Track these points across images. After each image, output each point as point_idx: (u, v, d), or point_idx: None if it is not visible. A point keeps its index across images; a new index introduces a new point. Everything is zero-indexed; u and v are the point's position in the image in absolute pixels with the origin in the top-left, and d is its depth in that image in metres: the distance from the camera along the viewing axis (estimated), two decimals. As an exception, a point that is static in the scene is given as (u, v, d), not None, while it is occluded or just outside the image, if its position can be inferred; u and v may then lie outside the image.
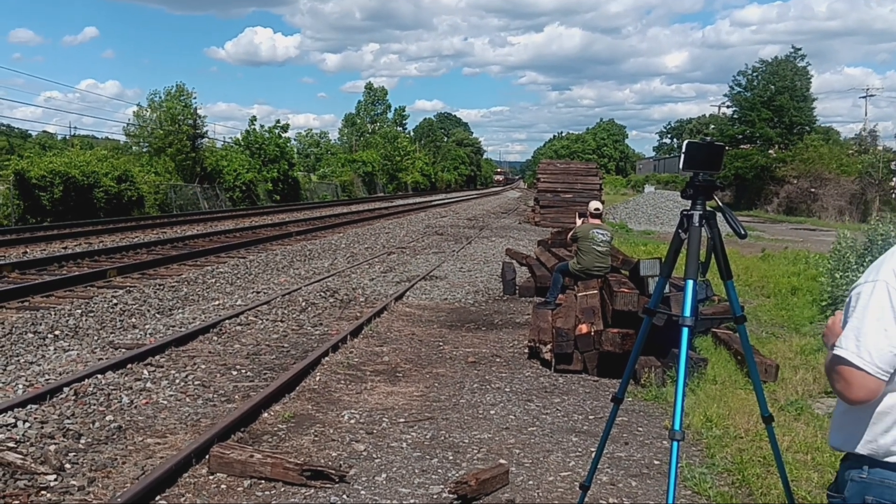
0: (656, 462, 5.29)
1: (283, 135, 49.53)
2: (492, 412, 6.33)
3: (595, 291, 8.63)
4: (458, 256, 18.03)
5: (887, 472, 2.05)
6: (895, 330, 1.97)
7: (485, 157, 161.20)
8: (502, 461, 5.17)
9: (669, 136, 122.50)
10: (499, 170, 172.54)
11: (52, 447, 4.97)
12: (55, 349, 7.91)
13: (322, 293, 11.67)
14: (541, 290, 11.93)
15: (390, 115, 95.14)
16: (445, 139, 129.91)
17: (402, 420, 6.05)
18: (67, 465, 4.75)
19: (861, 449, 2.08)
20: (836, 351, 2.03)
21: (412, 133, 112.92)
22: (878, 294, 2.00)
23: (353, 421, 5.98)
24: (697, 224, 3.14)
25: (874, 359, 1.96)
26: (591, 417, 6.30)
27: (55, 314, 9.44)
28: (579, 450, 5.49)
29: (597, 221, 10.36)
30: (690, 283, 3.05)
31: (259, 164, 45.58)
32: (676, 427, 2.97)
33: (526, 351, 8.34)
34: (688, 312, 3.01)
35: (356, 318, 10.02)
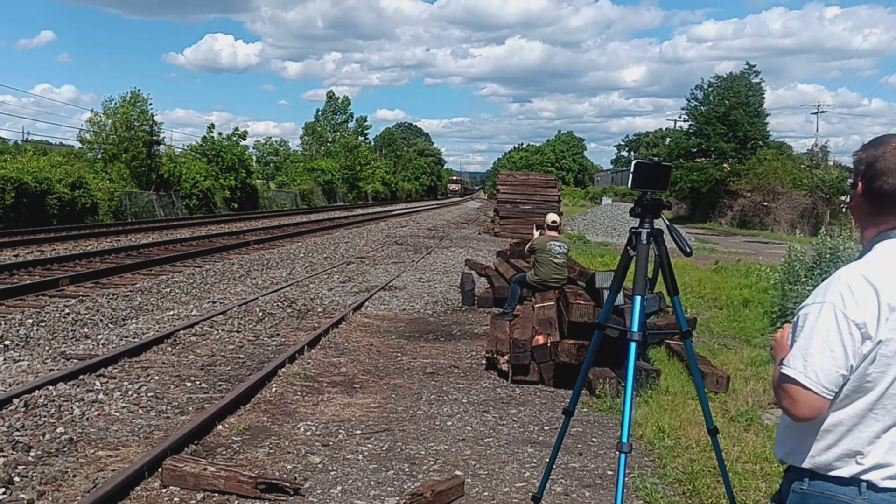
0: (609, 472, 5.37)
1: (242, 142, 49.17)
2: (448, 423, 6.36)
3: (552, 303, 8.73)
4: (418, 266, 18.06)
5: (827, 485, 2.14)
6: (840, 351, 2.04)
7: (445, 167, 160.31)
8: (458, 473, 5.20)
9: (627, 149, 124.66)
10: (455, 178, 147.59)
11: (1, 460, 4.88)
12: (5, 359, 7.74)
13: (279, 303, 11.60)
14: (499, 301, 12.01)
15: (351, 125, 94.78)
16: (406, 149, 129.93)
17: (358, 432, 6.05)
18: (16, 479, 4.67)
19: (805, 463, 2.16)
20: (784, 370, 2.10)
21: (373, 142, 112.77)
22: (825, 316, 2.07)
23: (308, 433, 5.97)
24: (645, 241, 3.23)
25: (820, 379, 2.04)
26: (546, 428, 6.36)
27: (5, 323, 9.24)
28: (535, 461, 5.55)
29: (554, 234, 10.49)
30: (638, 299, 3.14)
31: (216, 171, 45.06)
32: (624, 440, 3.05)
33: (483, 362, 8.40)
34: (635, 328, 3.09)
35: (314, 328, 9.99)
